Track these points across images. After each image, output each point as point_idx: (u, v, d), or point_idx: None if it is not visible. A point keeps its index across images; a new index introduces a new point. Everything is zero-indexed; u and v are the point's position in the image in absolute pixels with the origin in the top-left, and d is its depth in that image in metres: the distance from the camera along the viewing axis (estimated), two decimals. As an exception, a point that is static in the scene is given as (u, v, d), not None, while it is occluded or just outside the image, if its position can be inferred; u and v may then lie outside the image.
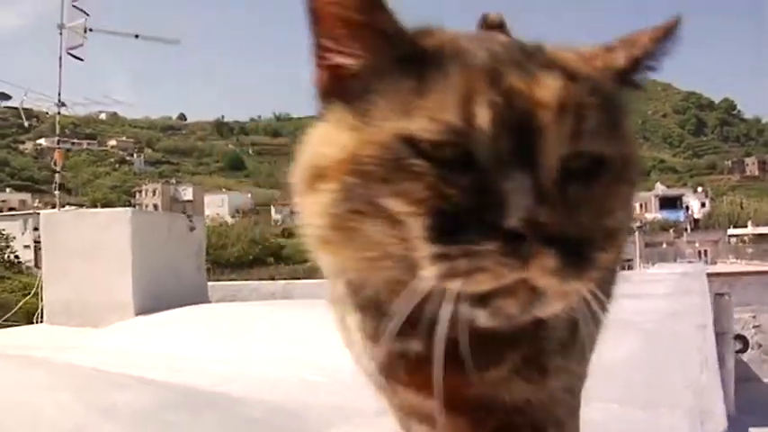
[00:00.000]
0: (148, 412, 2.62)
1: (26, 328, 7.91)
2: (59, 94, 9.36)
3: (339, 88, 0.80)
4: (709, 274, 20.66)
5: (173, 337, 6.27)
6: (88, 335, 6.68)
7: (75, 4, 9.66)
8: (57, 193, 9.31)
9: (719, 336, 11.08)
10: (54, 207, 9.72)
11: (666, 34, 0.82)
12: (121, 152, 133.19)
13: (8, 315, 9.74)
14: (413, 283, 0.70)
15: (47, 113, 9.85)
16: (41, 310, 7.64)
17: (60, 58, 9.56)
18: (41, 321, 7.59)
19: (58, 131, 9.45)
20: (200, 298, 8.11)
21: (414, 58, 0.76)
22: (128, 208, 9.04)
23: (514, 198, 0.66)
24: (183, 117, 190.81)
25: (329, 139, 0.78)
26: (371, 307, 0.82)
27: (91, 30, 9.42)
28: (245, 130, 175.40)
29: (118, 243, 7.30)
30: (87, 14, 9.71)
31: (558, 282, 0.66)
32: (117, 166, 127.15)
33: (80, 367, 3.82)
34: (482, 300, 0.68)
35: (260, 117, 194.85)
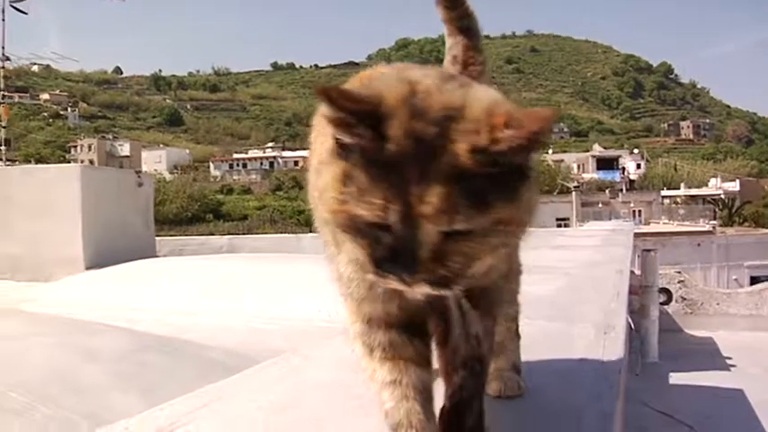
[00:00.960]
0: (127, 354, 2.84)
1: (-27, 282, 7.91)
2: (3, 48, 9.24)
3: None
4: (641, 234, 21.48)
5: (125, 290, 6.42)
6: (40, 289, 6.76)
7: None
8: (2, 148, 9.24)
9: (646, 288, 11.78)
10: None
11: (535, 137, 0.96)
12: (55, 106, 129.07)
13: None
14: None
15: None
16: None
17: (2, 11, 9.43)
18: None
19: (2, 86, 9.37)
20: (149, 252, 8.25)
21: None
22: (76, 164, 9.05)
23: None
24: (118, 71, 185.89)
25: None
26: None
27: (35, -17, 9.31)
28: (183, 84, 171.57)
29: (67, 199, 7.37)
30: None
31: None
32: (51, 120, 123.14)
33: (55, 316, 3.98)
34: None
35: (198, 72, 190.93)
